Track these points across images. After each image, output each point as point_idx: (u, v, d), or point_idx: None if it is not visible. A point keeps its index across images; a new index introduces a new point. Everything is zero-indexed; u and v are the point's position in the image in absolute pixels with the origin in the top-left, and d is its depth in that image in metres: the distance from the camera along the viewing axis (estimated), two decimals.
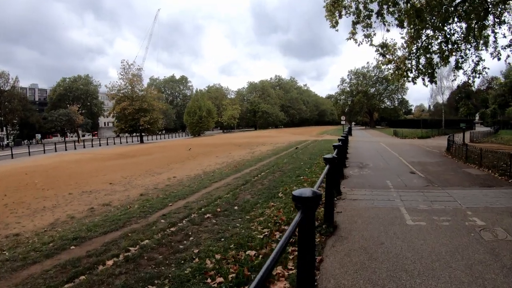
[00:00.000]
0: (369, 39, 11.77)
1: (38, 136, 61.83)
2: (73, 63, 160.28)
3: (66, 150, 37.34)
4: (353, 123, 78.60)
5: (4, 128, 59.19)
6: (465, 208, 5.31)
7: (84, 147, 40.16)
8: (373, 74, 73.21)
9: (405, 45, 15.98)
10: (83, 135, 75.87)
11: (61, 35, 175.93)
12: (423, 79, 15.96)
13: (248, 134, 47.17)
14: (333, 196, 4.92)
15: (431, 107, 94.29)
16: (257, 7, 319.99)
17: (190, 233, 4.50)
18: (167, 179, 10.34)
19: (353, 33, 11.55)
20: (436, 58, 15.39)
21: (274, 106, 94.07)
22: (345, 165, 10.36)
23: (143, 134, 46.52)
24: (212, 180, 8.86)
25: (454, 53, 15.12)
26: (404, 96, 76.72)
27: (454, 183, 7.69)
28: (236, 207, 5.79)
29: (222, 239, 4.14)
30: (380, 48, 12.01)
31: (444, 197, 6.16)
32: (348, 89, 74.03)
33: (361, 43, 11.72)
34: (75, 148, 38.85)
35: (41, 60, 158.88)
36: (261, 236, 4.08)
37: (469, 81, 16.23)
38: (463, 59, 15.38)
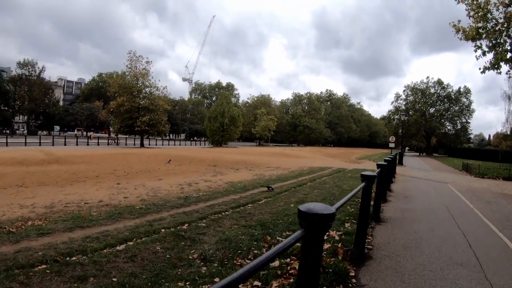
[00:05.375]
0: None
1: (57, 127, 59.89)
2: None
3: (53, 145, 32.71)
4: (406, 148, 65.19)
5: (22, 117, 58.06)
6: None
7: (87, 144, 35.70)
8: (433, 91, 59.63)
9: None
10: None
11: (124, 34, 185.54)
12: None
13: (268, 150, 37.81)
14: None
15: (491, 136, 76.30)
16: (319, 19, 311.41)
17: None
18: None
19: None
20: None
21: (319, 121, 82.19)
22: None
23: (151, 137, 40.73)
24: None
25: None
26: (469, 120, 59.96)
27: None
28: None
29: None
30: None
31: None
32: (403, 107, 60.83)
33: None
34: (65, 144, 34.11)
35: (103, 58, 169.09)
36: None
37: None
38: None
